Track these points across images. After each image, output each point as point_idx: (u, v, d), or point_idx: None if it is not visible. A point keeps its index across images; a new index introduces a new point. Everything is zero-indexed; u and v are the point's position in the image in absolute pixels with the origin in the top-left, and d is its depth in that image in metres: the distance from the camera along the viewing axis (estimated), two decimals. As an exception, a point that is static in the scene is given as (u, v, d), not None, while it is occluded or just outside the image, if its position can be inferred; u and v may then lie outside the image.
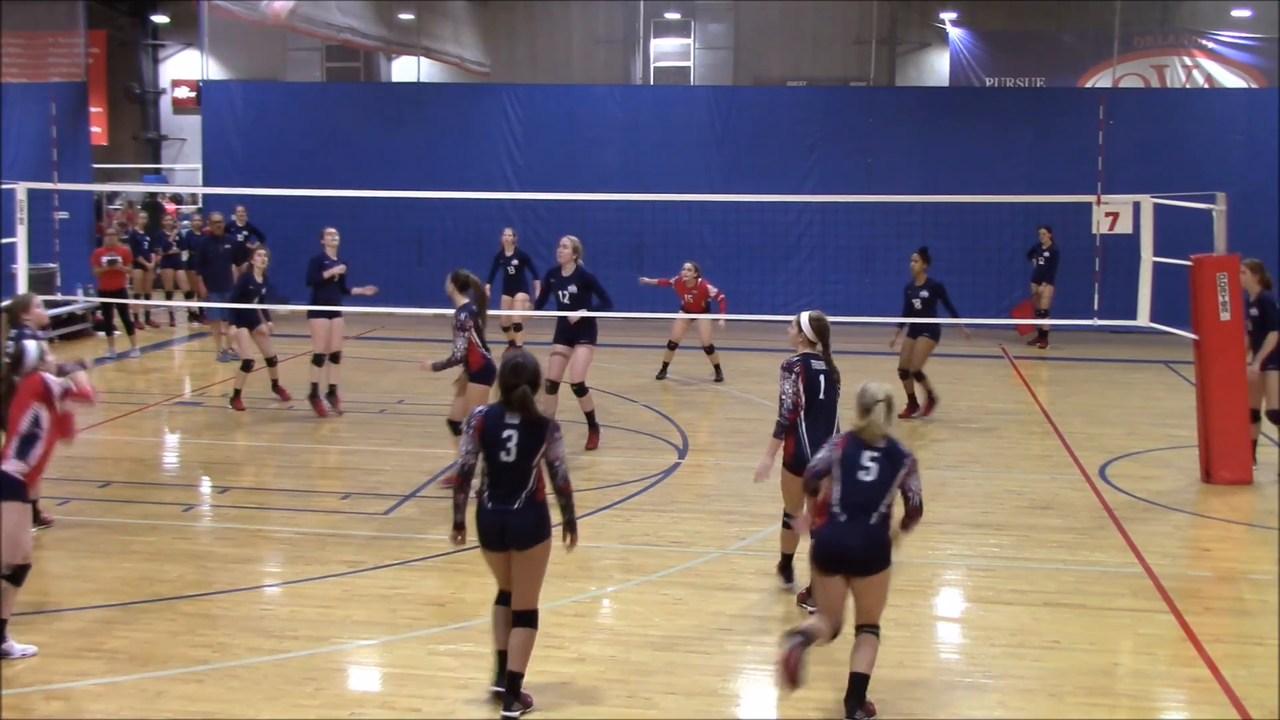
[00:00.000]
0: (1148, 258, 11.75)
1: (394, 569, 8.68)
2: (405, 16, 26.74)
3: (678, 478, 11.28)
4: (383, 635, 7.49)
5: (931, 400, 13.85)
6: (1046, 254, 19.21)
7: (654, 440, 12.67)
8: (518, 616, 6.45)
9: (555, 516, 6.47)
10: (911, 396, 13.77)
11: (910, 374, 13.73)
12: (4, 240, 14.53)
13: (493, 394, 6.73)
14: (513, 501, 6.29)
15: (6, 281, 15.78)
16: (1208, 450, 11.20)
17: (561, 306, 12.22)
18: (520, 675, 6.42)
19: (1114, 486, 11.07)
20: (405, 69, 29.62)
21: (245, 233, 20.90)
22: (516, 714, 6.37)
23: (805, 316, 7.87)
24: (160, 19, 31.29)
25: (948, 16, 27.93)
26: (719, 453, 12.44)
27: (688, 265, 15.66)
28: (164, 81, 32.03)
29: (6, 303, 9.79)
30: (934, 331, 13.60)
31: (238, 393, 13.84)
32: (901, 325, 13.81)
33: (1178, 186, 14.19)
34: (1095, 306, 13.21)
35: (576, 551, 9.08)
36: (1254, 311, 11.28)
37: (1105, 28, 23.83)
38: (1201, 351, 11.25)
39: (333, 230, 13.97)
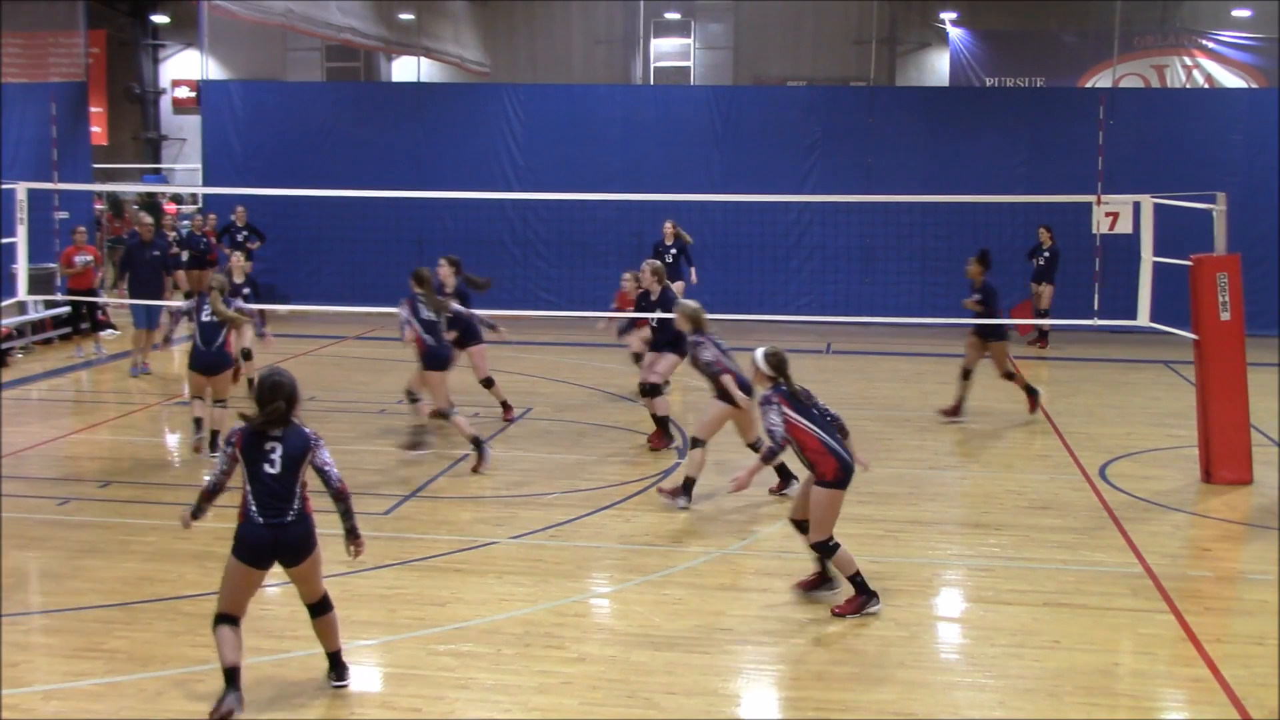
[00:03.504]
0: (1148, 258, 11.75)
1: (394, 569, 8.68)
2: (405, 16, 26.73)
3: (678, 478, 11.25)
4: (383, 635, 7.49)
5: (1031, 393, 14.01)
6: (1046, 254, 19.21)
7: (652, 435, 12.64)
8: (314, 608, 6.68)
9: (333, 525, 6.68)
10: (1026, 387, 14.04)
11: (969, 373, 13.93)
12: (4, 240, 14.54)
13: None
14: (286, 514, 6.39)
15: (6, 282, 15.80)
16: (1208, 450, 11.19)
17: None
18: (339, 651, 6.75)
19: (1114, 486, 11.07)
20: (405, 69, 29.61)
21: (245, 233, 20.92)
22: (347, 682, 6.74)
23: (760, 354, 7.95)
24: (160, 19, 31.27)
25: (948, 16, 27.92)
26: (719, 453, 12.42)
27: (627, 275, 14.63)
28: (164, 81, 32.02)
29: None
30: (998, 332, 13.78)
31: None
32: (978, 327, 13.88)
33: (1178, 186, 14.19)
34: (1095, 306, 13.21)
35: (576, 551, 9.17)
36: None
37: (1105, 28, 23.83)
38: (1201, 351, 11.24)
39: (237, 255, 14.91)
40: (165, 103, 32.08)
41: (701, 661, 7.13)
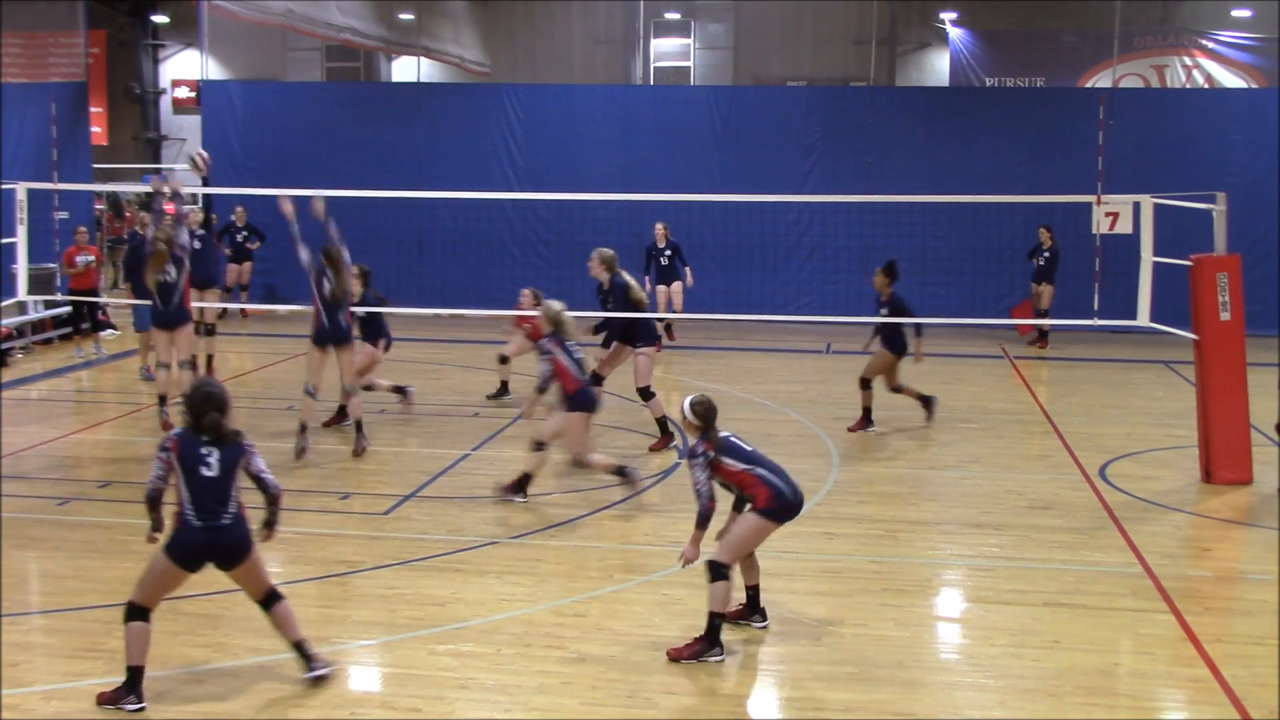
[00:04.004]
0: (1148, 258, 11.75)
1: (394, 569, 8.68)
2: (405, 16, 26.73)
3: (678, 477, 11.26)
4: (383, 635, 7.49)
5: (867, 417, 13.16)
6: (1046, 254, 19.21)
7: (654, 440, 12.64)
8: (264, 602, 6.73)
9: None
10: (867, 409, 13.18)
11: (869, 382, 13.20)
12: (4, 240, 14.54)
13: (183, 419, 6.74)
14: (222, 517, 6.48)
15: (6, 282, 15.80)
16: (1208, 450, 11.19)
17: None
18: (304, 639, 6.75)
19: (1114, 486, 11.07)
20: (405, 69, 29.61)
21: (245, 233, 20.92)
22: (324, 670, 6.73)
23: (687, 403, 7.41)
24: (160, 19, 31.25)
25: (948, 16, 27.92)
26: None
27: (525, 291, 14.11)
28: (164, 81, 32.02)
29: None
30: (897, 346, 13.05)
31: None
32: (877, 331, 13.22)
33: (1178, 186, 14.18)
34: (1095, 306, 13.21)
35: (577, 551, 9.18)
36: None
37: (1105, 28, 23.82)
38: (1201, 351, 11.24)
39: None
40: (165, 103, 32.07)
41: (702, 661, 7.12)
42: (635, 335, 12.31)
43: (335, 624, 7.67)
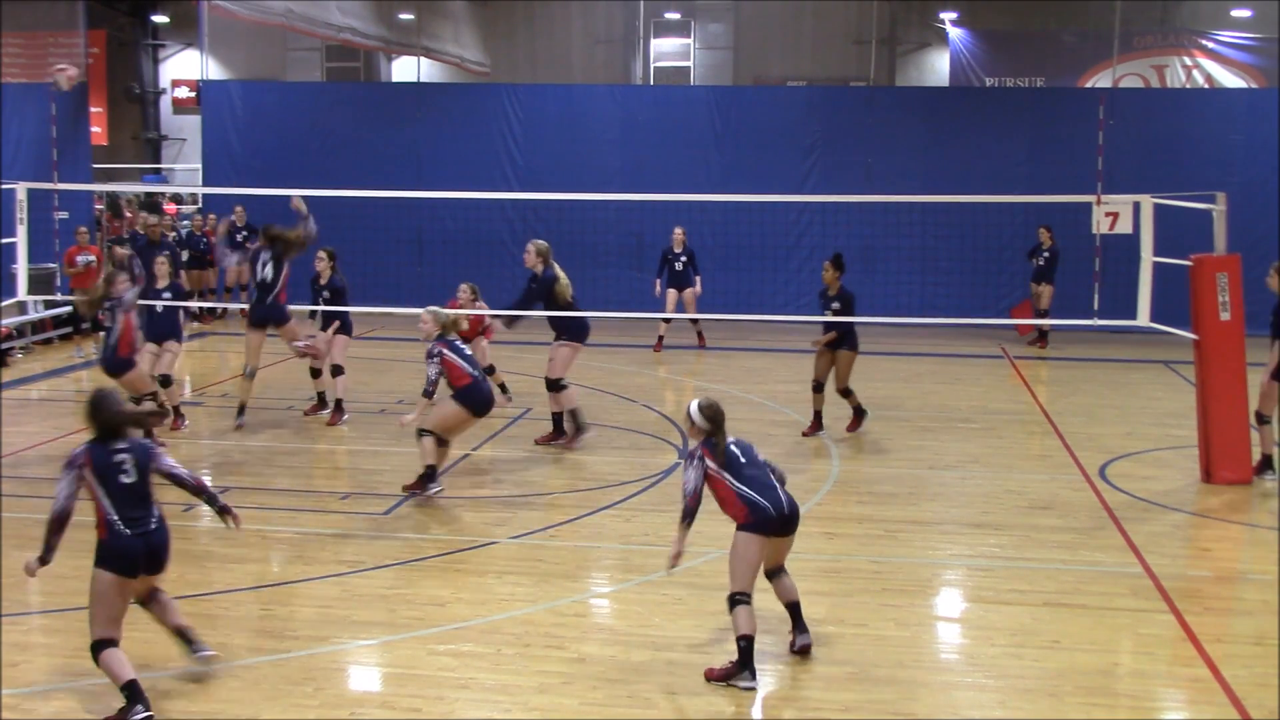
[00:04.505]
0: (1148, 258, 11.74)
1: (394, 569, 8.68)
2: (405, 16, 26.73)
3: (678, 477, 11.24)
4: (383, 635, 7.49)
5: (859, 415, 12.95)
6: (1046, 254, 19.21)
7: (654, 440, 12.66)
8: (144, 600, 6.74)
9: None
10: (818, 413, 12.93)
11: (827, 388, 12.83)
12: (4, 240, 14.54)
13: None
14: (149, 522, 6.44)
15: (6, 282, 15.80)
16: (1208, 450, 11.19)
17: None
18: (186, 626, 6.86)
19: (1114, 486, 11.07)
20: (405, 69, 29.62)
21: (245, 233, 20.90)
22: (209, 651, 6.82)
23: (694, 406, 7.23)
24: (160, 19, 31.30)
25: (948, 16, 27.93)
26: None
27: (464, 286, 13.87)
28: (164, 81, 32.05)
29: None
30: (852, 342, 12.83)
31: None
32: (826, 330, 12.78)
33: (1178, 186, 14.18)
34: (1095, 306, 13.21)
35: (577, 551, 9.18)
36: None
37: (1105, 28, 23.82)
38: (1201, 351, 11.24)
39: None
40: (165, 103, 32.09)
41: (701, 661, 7.11)
42: (561, 329, 12.33)
43: (335, 624, 7.67)
